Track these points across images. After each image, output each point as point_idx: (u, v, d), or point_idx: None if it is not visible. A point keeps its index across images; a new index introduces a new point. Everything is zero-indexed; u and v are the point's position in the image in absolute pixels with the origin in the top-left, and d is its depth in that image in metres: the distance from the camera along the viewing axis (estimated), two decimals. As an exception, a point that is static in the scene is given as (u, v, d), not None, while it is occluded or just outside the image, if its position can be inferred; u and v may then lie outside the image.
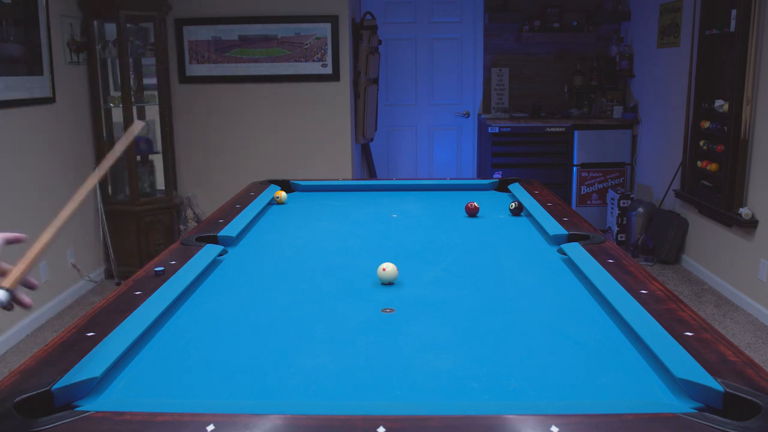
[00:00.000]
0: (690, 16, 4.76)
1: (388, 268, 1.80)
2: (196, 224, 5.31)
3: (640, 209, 5.28)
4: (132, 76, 4.80)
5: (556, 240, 2.20)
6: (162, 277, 1.78)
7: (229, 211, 2.62)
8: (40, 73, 4.06)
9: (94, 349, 1.31)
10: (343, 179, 3.81)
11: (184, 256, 1.99)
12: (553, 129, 5.83)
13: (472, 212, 2.61)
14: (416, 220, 2.67)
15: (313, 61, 5.26)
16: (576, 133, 5.81)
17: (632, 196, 5.61)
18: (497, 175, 5.29)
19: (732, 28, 4.16)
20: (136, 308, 1.55)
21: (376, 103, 5.79)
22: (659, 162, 5.43)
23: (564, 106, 6.34)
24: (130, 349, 1.37)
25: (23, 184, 3.92)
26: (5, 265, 1.17)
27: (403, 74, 6.51)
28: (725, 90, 4.39)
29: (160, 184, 5.07)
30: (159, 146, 4.95)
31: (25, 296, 1.16)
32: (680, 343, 1.31)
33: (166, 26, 5.07)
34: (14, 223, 3.83)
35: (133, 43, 4.79)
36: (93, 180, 1.38)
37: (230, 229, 2.31)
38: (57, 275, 4.27)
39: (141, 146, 4.83)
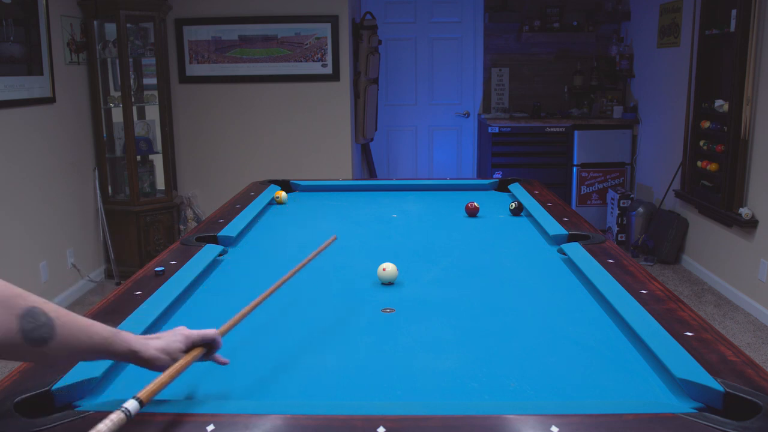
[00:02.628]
0: (690, 16, 4.76)
1: (388, 268, 1.80)
2: (196, 224, 5.31)
3: (640, 209, 5.28)
4: (132, 76, 4.79)
5: (556, 240, 2.20)
6: (162, 277, 1.78)
7: (229, 211, 2.62)
8: (40, 73, 4.06)
9: (94, 349, 1.31)
10: (343, 179, 3.81)
11: (184, 256, 1.99)
12: (553, 129, 5.83)
13: (472, 212, 2.61)
14: (416, 220, 2.67)
15: (313, 61, 5.26)
16: (576, 133, 5.81)
17: (632, 196, 5.61)
18: (497, 175, 5.29)
19: (732, 28, 4.16)
20: (136, 308, 1.55)
21: (376, 103, 5.79)
22: (659, 162, 5.43)
23: (564, 106, 6.34)
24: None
25: (23, 184, 3.92)
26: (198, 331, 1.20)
27: (403, 74, 6.51)
28: (725, 90, 4.38)
29: (160, 184, 5.07)
30: (159, 146, 4.95)
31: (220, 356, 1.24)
32: (680, 343, 1.31)
33: (166, 26, 5.07)
34: (14, 223, 3.83)
35: (133, 43, 4.79)
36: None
37: (230, 229, 2.31)
38: (57, 275, 4.27)
39: (141, 146, 4.83)
